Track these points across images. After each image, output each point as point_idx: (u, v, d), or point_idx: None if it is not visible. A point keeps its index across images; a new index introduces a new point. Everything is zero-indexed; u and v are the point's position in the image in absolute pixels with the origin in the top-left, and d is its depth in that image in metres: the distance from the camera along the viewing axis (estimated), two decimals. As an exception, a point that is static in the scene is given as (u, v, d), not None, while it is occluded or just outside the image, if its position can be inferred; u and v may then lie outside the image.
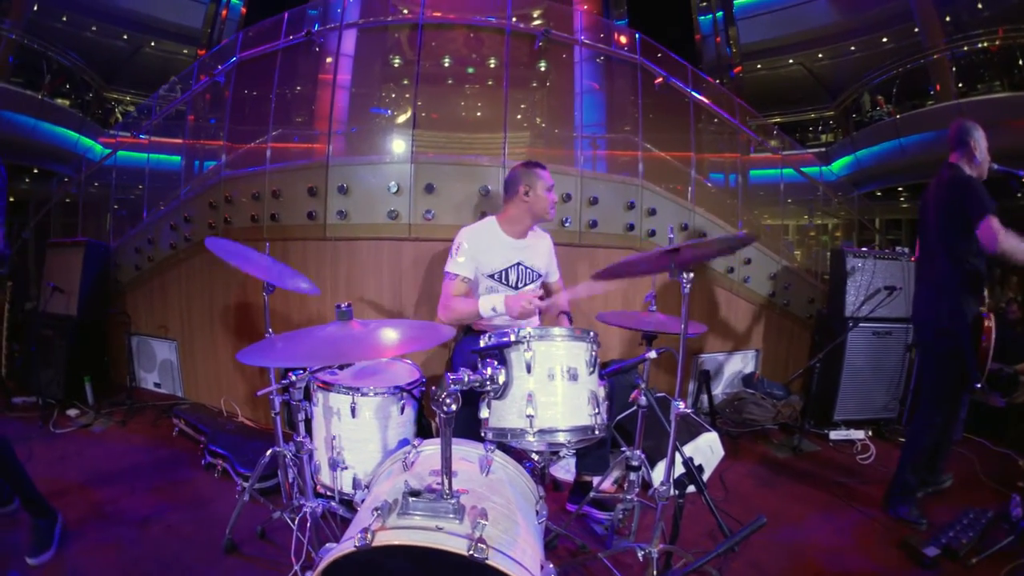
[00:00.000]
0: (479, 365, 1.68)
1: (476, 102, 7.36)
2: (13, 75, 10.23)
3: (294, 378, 2.12)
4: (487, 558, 1.17)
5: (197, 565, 2.26)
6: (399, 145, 4.51)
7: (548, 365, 1.68)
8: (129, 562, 2.25)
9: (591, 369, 1.74)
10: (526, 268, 2.78)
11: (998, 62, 9.73)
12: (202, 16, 14.18)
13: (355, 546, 1.19)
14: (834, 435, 3.89)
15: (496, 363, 1.67)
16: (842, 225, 7.93)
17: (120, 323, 4.53)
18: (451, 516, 1.26)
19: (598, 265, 3.69)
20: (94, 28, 13.09)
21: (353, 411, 2.17)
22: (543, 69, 6.12)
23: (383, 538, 1.21)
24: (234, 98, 4.55)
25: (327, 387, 2.23)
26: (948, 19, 11.08)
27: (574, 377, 1.69)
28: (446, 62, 5.68)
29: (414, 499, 1.28)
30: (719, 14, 15.37)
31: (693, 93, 4.58)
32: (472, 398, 1.69)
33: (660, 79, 4.44)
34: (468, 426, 1.83)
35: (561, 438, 1.65)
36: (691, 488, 2.37)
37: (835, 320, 4.13)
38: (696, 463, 2.96)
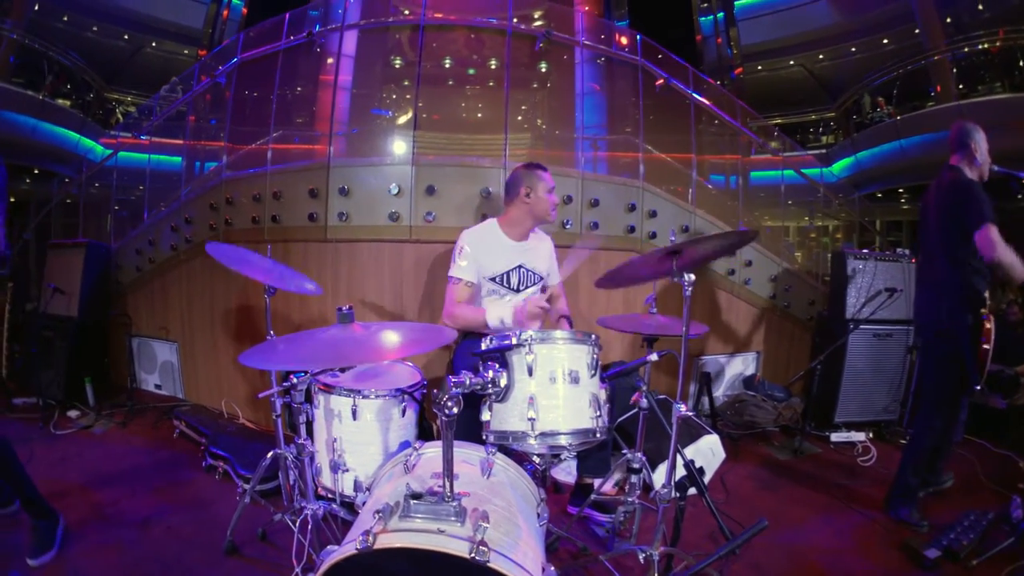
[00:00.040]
0: (480, 368, 1.68)
1: (477, 103, 7.36)
2: (14, 75, 10.25)
3: (295, 381, 2.13)
4: (489, 561, 1.17)
5: (198, 567, 2.26)
6: (400, 146, 4.51)
7: (550, 368, 1.68)
8: (130, 563, 2.26)
9: (593, 372, 1.74)
10: (527, 271, 2.78)
11: (999, 63, 9.74)
12: (203, 16, 14.21)
13: (356, 548, 1.19)
14: (835, 437, 3.89)
15: (497, 366, 1.67)
16: (843, 227, 7.90)
17: (121, 324, 4.54)
18: (453, 519, 1.26)
19: (599, 267, 3.74)
20: (95, 28, 13.11)
21: (354, 413, 2.17)
22: (544, 70, 6.12)
23: (385, 541, 1.20)
24: (235, 99, 4.55)
25: (328, 389, 2.23)
26: (949, 20, 11.09)
27: (575, 380, 1.69)
28: (447, 63, 5.68)
29: (416, 502, 1.28)
30: (720, 15, 15.40)
31: (694, 95, 4.58)
32: (473, 400, 1.69)
33: (661, 81, 4.44)
34: (469, 428, 1.83)
35: (563, 441, 1.65)
36: (692, 490, 2.37)
37: (836, 322, 4.13)
38: (697, 465, 2.96)
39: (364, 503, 1.62)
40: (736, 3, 14.83)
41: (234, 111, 4.56)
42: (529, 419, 1.63)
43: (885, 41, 13.08)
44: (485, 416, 1.71)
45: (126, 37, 13.71)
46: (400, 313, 3.58)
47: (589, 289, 3.69)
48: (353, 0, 4.38)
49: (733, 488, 3.11)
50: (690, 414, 1.94)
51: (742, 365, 4.62)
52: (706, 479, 3.12)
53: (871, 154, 11.49)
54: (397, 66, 5.70)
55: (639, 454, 2.34)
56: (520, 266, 2.76)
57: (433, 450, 1.66)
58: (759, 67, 15.09)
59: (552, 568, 1.37)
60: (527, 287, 2.80)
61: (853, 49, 13.78)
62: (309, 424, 2.25)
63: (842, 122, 13.44)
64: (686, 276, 1.86)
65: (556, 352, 1.70)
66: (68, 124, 10.70)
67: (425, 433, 2.47)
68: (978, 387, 2.65)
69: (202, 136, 5.30)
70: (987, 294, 2.65)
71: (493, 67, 5.50)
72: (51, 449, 3.39)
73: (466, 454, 1.64)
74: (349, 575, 1.25)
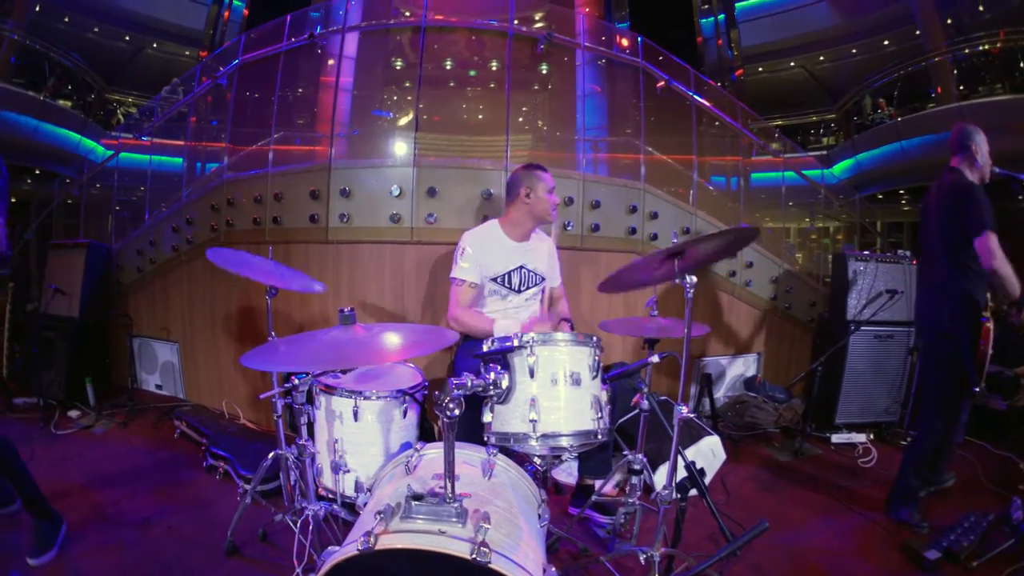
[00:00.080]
0: (482, 369, 1.68)
1: (478, 105, 7.37)
2: (15, 76, 10.26)
3: (297, 382, 2.13)
4: (490, 562, 1.17)
5: (199, 567, 2.26)
6: (401, 148, 4.52)
7: (551, 370, 1.68)
8: (130, 563, 2.26)
9: (594, 374, 1.74)
10: (529, 271, 2.79)
11: (999, 64, 9.75)
12: (204, 18, 14.23)
13: (358, 549, 1.19)
14: (836, 438, 3.89)
15: (499, 368, 1.67)
16: (843, 228, 7.91)
17: (122, 325, 4.54)
18: (454, 520, 1.27)
19: (600, 269, 3.75)
20: (96, 29, 13.14)
21: (355, 414, 2.17)
22: (544, 72, 6.12)
23: (386, 541, 1.21)
24: (236, 100, 4.56)
25: (329, 390, 2.23)
26: (949, 22, 11.10)
27: (577, 382, 1.69)
28: (448, 65, 5.69)
29: (417, 503, 1.28)
30: (721, 17, 15.42)
31: (695, 96, 4.59)
32: (475, 402, 1.69)
33: (662, 83, 4.45)
34: (470, 429, 1.83)
35: (564, 442, 1.65)
36: (693, 491, 2.37)
37: (837, 324, 4.13)
38: (698, 466, 2.96)
39: (365, 504, 1.62)
40: (737, 5, 14.85)
41: (235, 112, 4.56)
42: (531, 421, 1.63)
43: (886, 43, 13.09)
44: (487, 418, 1.71)
45: (127, 38, 13.73)
46: (401, 314, 3.58)
47: (591, 292, 3.70)
48: (354, 2, 4.39)
49: (734, 489, 3.11)
50: (691, 416, 1.94)
51: (743, 366, 4.62)
52: (707, 480, 3.12)
53: (872, 155, 11.50)
54: (398, 68, 5.71)
55: (640, 455, 2.34)
56: (521, 267, 2.77)
57: (434, 451, 1.66)
58: (760, 69, 15.11)
59: (553, 569, 1.37)
60: (528, 287, 2.80)
61: (854, 51, 13.80)
62: (310, 425, 2.26)
63: (843, 123, 13.46)
64: (688, 278, 1.86)
65: (558, 354, 1.70)
66: (69, 125, 10.72)
67: (426, 434, 2.47)
68: (977, 389, 2.65)
69: (203, 137, 5.31)
70: (988, 296, 2.65)
71: (494, 69, 5.52)
72: (52, 449, 3.39)
73: (467, 455, 1.64)
74: (350, 576, 1.25)
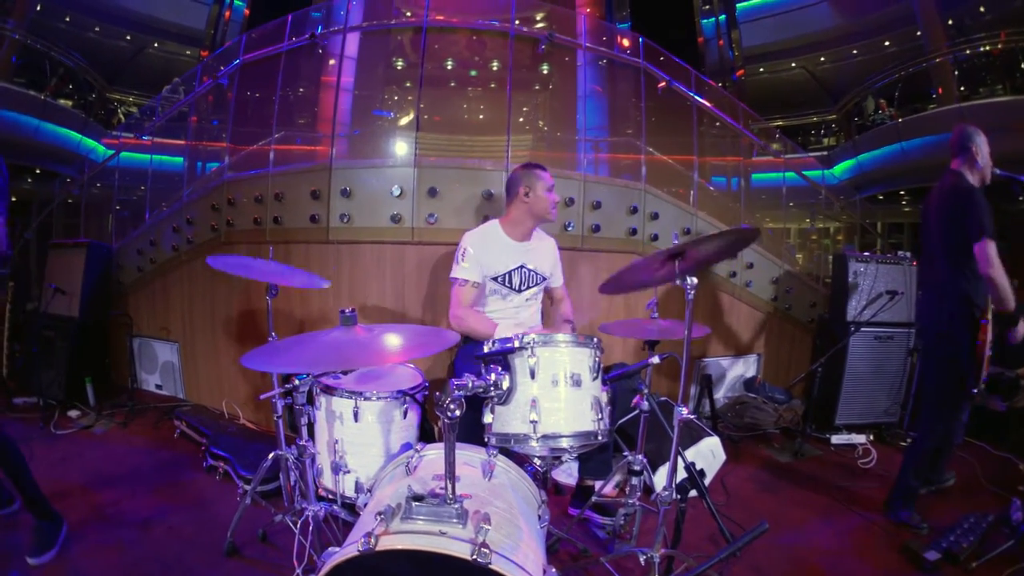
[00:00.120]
0: (483, 370, 1.69)
1: (479, 105, 7.36)
2: (16, 75, 10.26)
3: (297, 382, 2.13)
4: (490, 563, 1.17)
5: (199, 567, 2.26)
6: (402, 148, 4.52)
7: (552, 371, 1.68)
8: (130, 564, 2.26)
9: (595, 375, 1.74)
10: (529, 271, 2.79)
11: (1000, 65, 9.74)
12: (205, 17, 14.23)
13: (358, 550, 1.19)
14: (836, 439, 3.90)
15: (500, 369, 1.68)
16: (844, 229, 7.91)
17: (122, 324, 4.54)
18: (454, 521, 1.27)
19: (600, 269, 3.75)
20: (97, 29, 13.14)
21: (356, 415, 2.17)
22: (545, 72, 6.12)
23: (386, 542, 1.21)
24: (237, 100, 4.56)
25: (330, 391, 2.23)
26: (950, 23, 11.09)
27: (577, 383, 1.69)
28: (449, 65, 5.68)
29: (417, 503, 1.29)
30: (722, 17, 15.42)
31: (696, 97, 4.59)
32: (475, 403, 1.69)
33: (663, 83, 4.44)
34: (471, 430, 1.83)
35: (564, 443, 1.65)
36: (693, 492, 2.37)
37: (837, 324, 4.13)
38: (698, 467, 2.96)
39: (365, 504, 1.62)
40: (738, 5, 14.85)
41: (236, 112, 4.56)
42: (531, 422, 1.63)
43: (886, 43, 13.09)
44: (487, 418, 1.72)
45: (128, 38, 13.74)
46: (402, 315, 3.58)
47: (591, 294, 3.69)
48: (355, 2, 4.39)
49: (734, 490, 3.11)
50: (691, 417, 1.94)
51: (743, 367, 4.62)
52: (707, 481, 3.12)
53: (872, 156, 11.49)
54: (399, 68, 5.70)
55: (640, 456, 2.34)
56: (522, 266, 2.77)
57: (434, 452, 1.66)
58: (761, 69, 15.11)
59: (553, 570, 1.38)
60: (529, 287, 2.81)
61: (854, 51, 13.80)
62: (311, 425, 2.26)
63: (843, 124, 13.45)
64: (688, 279, 1.86)
65: (558, 355, 1.70)
66: (70, 124, 10.72)
67: (426, 435, 2.47)
68: (975, 390, 2.65)
69: (204, 137, 5.31)
70: (989, 297, 2.65)
71: (495, 69, 5.51)
72: (51, 449, 3.39)
73: (467, 456, 1.64)
74: (351, 577, 1.25)
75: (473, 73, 6.00)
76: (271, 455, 2.37)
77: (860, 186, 11.28)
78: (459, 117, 7.36)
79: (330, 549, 1.31)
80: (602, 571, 2.22)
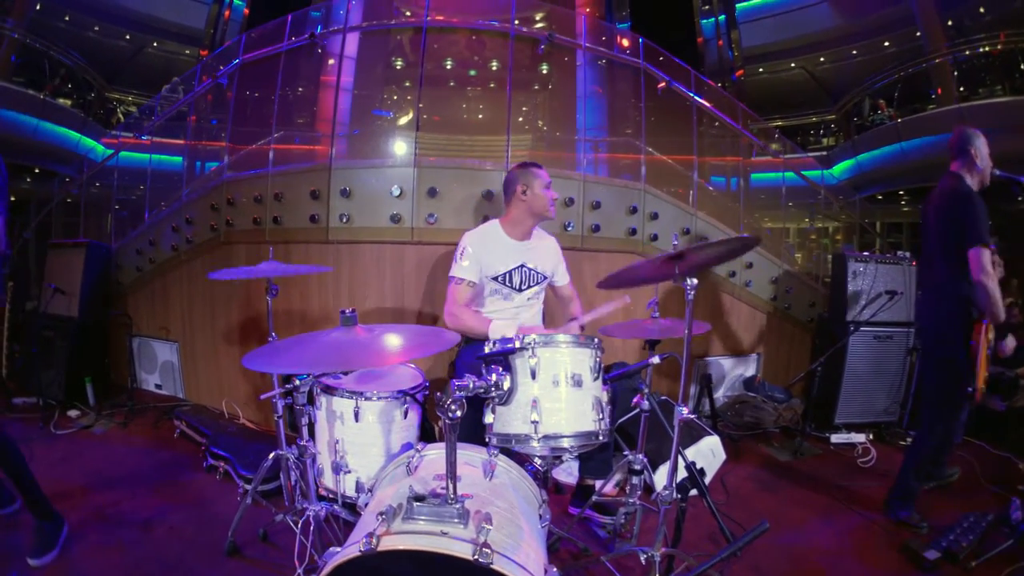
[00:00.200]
0: (483, 371, 1.69)
1: (478, 105, 7.37)
2: (15, 74, 10.25)
3: (298, 382, 2.13)
4: (492, 563, 1.17)
5: (199, 567, 2.26)
6: (401, 148, 4.52)
7: (553, 371, 1.68)
8: (131, 564, 2.26)
9: (595, 375, 1.74)
10: (530, 270, 2.79)
11: (1000, 66, 9.76)
12: (205, 17, 14.22)
13: (360, 550, 1.19)
14: (835, 438, 3.90)
15: (501, 369, 1.68)
16: (843, 229, 7.93)
17: (121, 324, 4.53)
18: (456, 521, 1.27)
19: (601, 269, 3.75)
20: (96, 28, 13.13)
21: (356, 415, 2.17)
22: (545, 72, 6.13)
23: (388, 543, 1.21)
24: (237, 99, 4.56)
25: (330, 391, 2.23)
26: (950, 23, 11.11)
27: (578, 383, 1.70)
28: (448, 64, 5.69)
29: (419, 504, 1.29)
30: (721, 18, 15.42)
31: (696, 97, 4.59)
32: (476, 403, 1.69)
33: (663, 84, 4.44)
34: (471, 430, 1.83)
35: (565, 443, 1.66)
36: (693, 491, 2.38)
37: (836, 324, 4.14)
38: (698, 467, 2.97)
39: (366, 504, 1.62)
40: (737, 6, 14.85)
41: (235, 112, 4.56)
42: (532, 422, 1.63)
43: (886, 44, 13.10)
44: (488, 419, 1.72)
45: (127, 37, 13.72)
46: (402, 315, 3.58)
47: (592, 293, 3.69)
48: (355, 2, 4.39)
49: (734, 489, 3.11)
50: (692, 417, 1.94)
51: (743, 366, 4.62)
52: (707, 480, 3.13)
53: (872, 156, 11.51)
54: (398, 67, 5.71)
55: (640, 455, 2.34)
56: (522, 265, 2.77)
57: (435, 452, 1.66)
58: (760, 69, 15.12)
59: (554, 569, 1.38)
60: (530, 286, 2.81)
61: (854, 52, 13.80)
62: (311, 425, 2.26)
63: (843, 124, 13.47)
64: (689, 281, 1.86)
65: (559, 356, 1.70)
66: (69, 124, 10.71)
67: (427, 435, 2.47)
68: (971, 389, 2.65)
69: (203, 136, 5.31)
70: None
71: (494, 69, 5.52)
72: (51, 449, 3.39)
73: (468, 456, 1.64)
74: (352, 577, 1.25)
75: (473, 73, 6.01)
76: (272, 455, 2.37)
77: (859, 186, 11.30)
78: (459, 117, 7.36)
79: (331, 549, 1.31)
80: (603, 570, 2.22)
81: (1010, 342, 2.72)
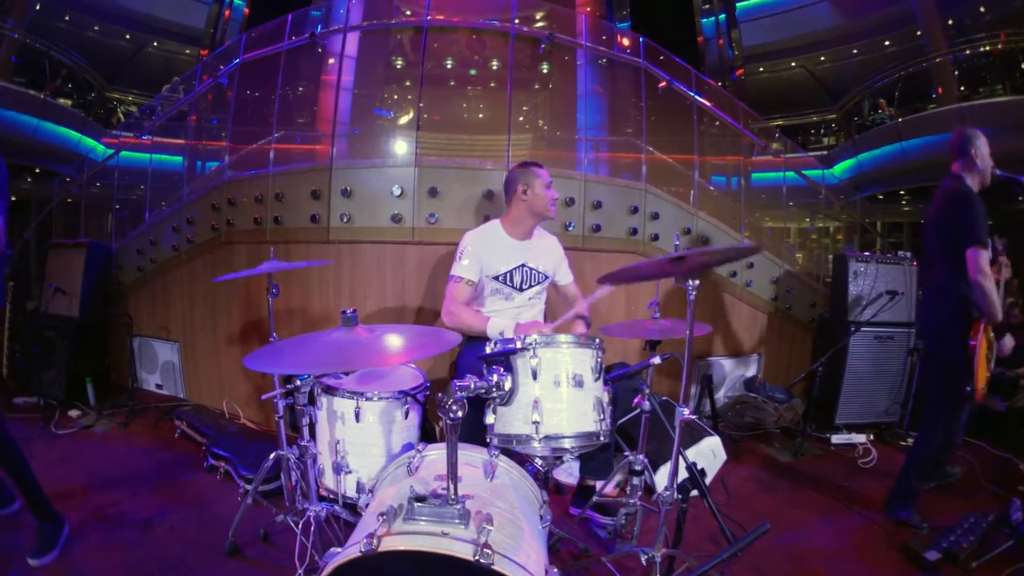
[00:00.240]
0: (485, 371, 1.69)
1: (478, 104, 7.36)
2: (15, 74, 10.25)
3: (299, 382, 2.13)
4: (493, 563, 1.17)
5: (200, 567, 2.26)
6: (402, 148, 4.52)
7: (554, 372, 1.68)
8: (132, 564, 2.26)
9: (597, 376, 1.74)
10: (531, 270, 2.79)
11: (1000, 66, 9.76)
12: (205, 17, 14.22)
13: (361, 551, 1.19)
14: (836, 439, 3.90)
15: (502, 369, 1.68)
16: (844, 228, 7.92)
17: (122, 324, 4.54)
18: (457, 521, 1.27)
19: (602, 269, 3.73)
20: (96, 28, 13.13)
21: (357, 415, 2.17)
22: (545, 71, 6.12)
23: (389, 543, 1.21)
24: (237, 99, 4.56)
25: (331, 391, 2.23)
26: (950, 23, 11.10)
27: (579, 384, 1.70)
28: (448, 64, 5.68)
29: (419, 504, 1.28)
30: (722, 17, 15.41)
31: (696, 97, 4.58)
32: (476, 403, 1.69)
33: (664, 83, 4.44)
34: (472, 430, 1.83)
35: (567, 444, 1.66)
36: (694, 492, 2.38)
37: (837, 324, 4.14)
38: (699, 467, 2.96)
39: (367, 505, 1.62)
40: (738, 5, 14.84)
41: (236, 111, 4.56)
42: (533, 422, 1.63)
43: (887, 43, 13.09)
44: (489, 419, 1.72)
45: (128, 37, 13.73)
46: (402, 315, 3.58)
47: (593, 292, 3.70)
48: (355, 1, 4.39)
49: (734, 490, 3.11)
50: (692, 417, 1.94)
51: (744, 367, 4.62)
52: (707, 480, 3.13)
53: (872, 156, 11.50)
54: (399, 67, 5.70)
55: (641, 456, 2.34)
56: (523, 265, 2.77)
57: (436, 452, 1.66)
58: (760, 69, 15.11)
59: (555, 569, 1.38)
60: (531, 286, 2.81)
61: (855, 51, 13.80)
62: (312, 426, 2.26)
63: (843, 124, 13.46)
64: (690, 282, 1.86)
65: (560, 356, 1.70)
66: (70, 124, 10.71)
67: (428, 435, 2.47)
68: (968, 388, 2.65)
69: (204, 136, 5.30)
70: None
71: (495, 68, 5.50)
72: (52, 449, 3.39)
73: (469, 456, 1.64)
74: (353, 578, 1.25)
75: (473, 72, 6.00)
76: (272, 455, 2.37)
77: (860, 186, 11.29)
78: (459, 116, 7.35)
79: (332, 550, 1.31)
80: (603, 571, 2.22)
81: (1008, 341, 2.72)
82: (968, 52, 10.29)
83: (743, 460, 3.58)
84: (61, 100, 10.99)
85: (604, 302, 3.84)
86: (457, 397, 1.31)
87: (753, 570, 2.34)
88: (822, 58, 14.50)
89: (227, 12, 14.44)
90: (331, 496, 2.26)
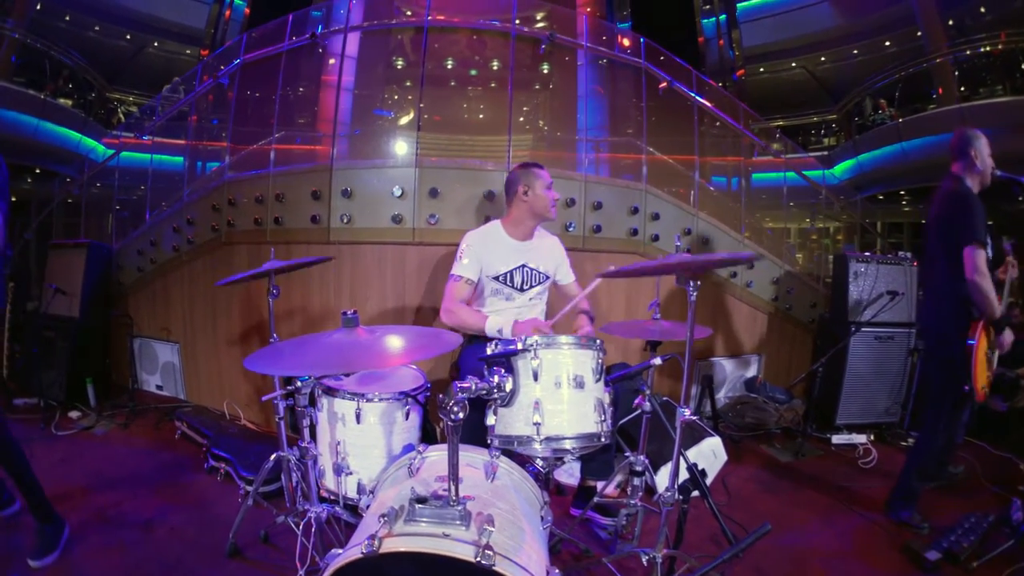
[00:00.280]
0: (486, 372, 1.69)
1: (479, 104, 7.37)
2: (15, 75, 10.25)
3: (299, 384, 2.13)
4: (494, 564, 1.17)
5: (200, 568, 2.26)
6: (402, 148, 4.52)
7: (555, 373, 1.68)
8: (132, 565, 2.26)
9: (597, 377, 1.74)
10: (531, 270, 2.79)
11: (1000, 66, 9.76)
12: (205, 17, 14.22)
13: (362, 552, 1.19)
14: (836, 439, 3.90)
15: (503, 371, 1.67)
16: (844, 228, 7.93)
17: (122, 325, 4.54)
18: (458, 523, 1.27)
19: (602, 268, 3.73)
20: (97, 28, 13.14)
21: (358, 416, 2.17)
22: (546, 72, 6.12)
23: (390, 545, 1.21)
24: (238, 99, 4.55)
25: (332, 392, 2.23)
26: (951, 23, 11.11)
27: (580, 385, 1.70)
28: (449, 64, 5.69)
29: (420, 506, 1.28)
30: (722, 17, 15.42)
31: (697, 97, 4.58)
32: (477, 404, 1.69)
33: (665, 84, 4.44)
34: (473, 431, 1.83)
35: (567, 445, 1.66)
36: (695, 493, 2.37)
37: (837, 324, 4.14)
38: (699, 468, 2.96)
39: (368, 506, 1.62)
40: (738, 5, 14.85)
41: (236, 112, 4.56)
42: (534, 424, 1.63)
43: (887, 43, 13.10)
44: (490, 420, 1.72)
45: (128, 37, 13.74)
46: (403, 316, 3.58)
47: (593, 292, 3.69)
48: (356, 1, 4.39)
49: (735, 490, 3.11)
50: (693, 418, 1.94)
51: (744, 367, 4.62)
52: (708, 481, 3.13)
53: (872, 156, 11.51)
54: (399, 67, 5.72)
55: (642, 457, 2.34)
56: (523, 265, 2.77)
57: (437, 453, 1.66)
58: (761, 69, 15.12)
59: (556, 571, 1.38)
60: (532, 286, 2.80)
61: (855, 51, 13.81)
62: (312, 427, 2.25)
63: (844, 124, 13.46)
64: (691, 283, 1.86)
65: (561, 357, 1.70)
66: (70, 124, 10.71)
67: (428, 436, 2.47)
68: (966, 387, 2.65)
69: (204, 137, 5.31)
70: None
71: (495, 68, 5.52)
72: (52, 450, 3.39)
73: (470, 457, 1.64)
74: (354, 579, 1.25)
75: (474, 73, 6.01)
76: (273, 456, 2.36)
77: (860, 186, 11.30)
78: (460, 117, 7.37)
79: (333, 551, 1.31)
80: (604, 571, 2.21)
81: (1007, 336, 2.72)
82: (968, 52, 10.29)
83: (744, 461, 3.58)
84: (61, 100, 11.00)
85: (604, 301, 3.85)
86: (458, 398, 1.31)
87: (754, 571, 2.33)
88: (822, 58, 14.51)
89: (228, 12, 14.44)
90: (332, 497, 2.26)
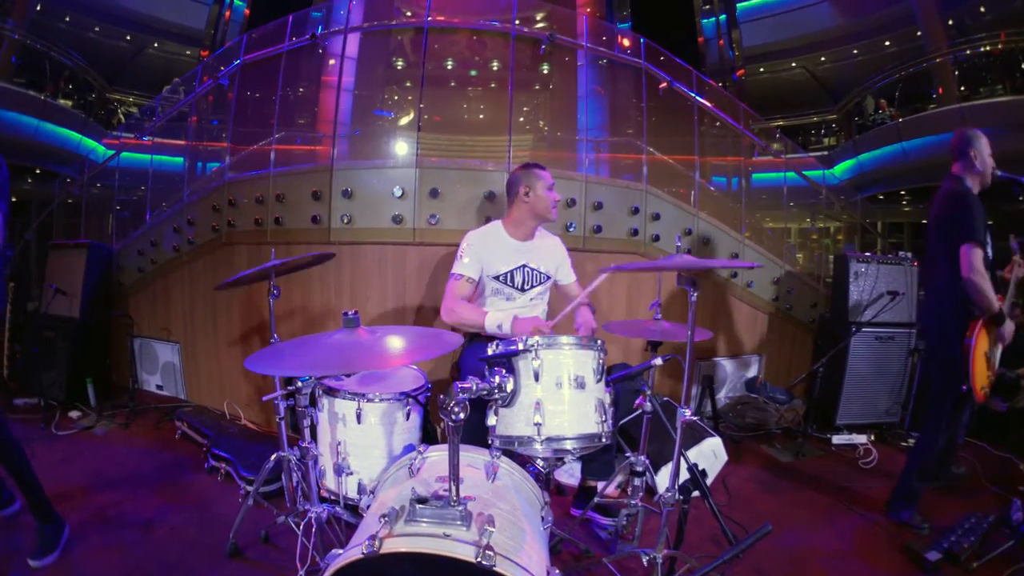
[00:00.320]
0: (486, 373, 1.69)
1: (479, 105, 7.37)
2: (16, 75, 10.26)
3: (300, 384, 2.13)
4: (495, 565, 1.17)
5: (201, 568, 2.26)
6: (403, 148, 4.52)
7: (556, 373, 1.68)
8: (132, 565, 2.26)
9: (598, 377, 1.74)
10: (532, 270, 2.79)
11: (1001, 65, 9.76)
12: (205, 17, 14.23)
13: (362, 553, 1.19)
14: (837, 439, 3.89)
15: (504, 371, 1.67)
16: (844, 229, 7.93)
17: (122, 325, 4.54)
18: (458, 523, 1.27)
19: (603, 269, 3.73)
20: (97, 29, 13.15)
21: (359, 417, 2.17)
22: (546, 72, 6.12)
23: (391, 545, 1.21)
24: (238, 100, 4.56)
25: (332, 393, 2.23)
26: (951, 23, 11.11)
27: (581, 385, 1.69)
28: (449, 65, 5.69)
29: (421, 506, 1.28)
30: (722, 17, 15.42)
31: (697, 97, 4.58)
32: (478, 404, 1.69)
33: (665, 84, 4.44)
34: (474, 431, 1.83)
35: (568, 446, 1.66)
36: (695, 493, 2.37)
37: (838, 325, 4.13)
38: (700, 468, 2.97)
39: (368, 506, 1.62)
40: (738, 5, 14.86)
41: (236, 112, 4.56)
42: (535, 424, 1.63)
43: (887, 43, 13.10)
44: (491, 421, 1.72)
45: (128, 38, 13.74)
46: (403, 316, 3.58)
47: (594, 292, 3.70)
48: (356, 2, 4.39)
49: (735, 490, 3.11)
50: (694, 418, 1.94)
51: (744, 368, 4.61)
52: (708, 481, 3.13)
53: (873, 156, 11.50)
54: (399, 68, 5.72)
55: (642, 457, 2.34)
56: (524, 265, 2.77)
57: (437, 454, 1.66)
58: (761, 69, 15.12)
59: (557, 571, 1.38)
60: (532, 286, 2.80)
61: (855, 51, 13.81)
62: (313, 427, 2.26)
63: (844, 124, 13.46)
64: (691, 285, 1.87)
65: (562, 358, 1.70)
66: (70, 124, 10.72)
67: (429, 436, 2.47)
68: (964, 387, 2.65)
69: (204, 137, 5.31)
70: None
71: (495, 69, 5.52)
72: (52, 450, 3.39)
73: (471, 458, 1.64)
74: (354, 580, 1.25)
75: (474, 73, 6.01)
76: (273, 456, 2.36)
77: (860, 186, 11.30)
78: (460, 117, 7.37)
79: (334, 551, 1.31)
80: (605, 572, 2.21)
81: (1009, 326, 2.72)
82: (968, 52, 10.29)
83: (744, 461, 3.58)
84: (62, 101, 11.00)
85: (605, 299, 3.85)
86: (459, 399, 1.31)
87: (755, 571, 2.33)
88: (822, 58, 14.51)
89: (227, 13, 14.44)
90: (332, 497, 2.27)
